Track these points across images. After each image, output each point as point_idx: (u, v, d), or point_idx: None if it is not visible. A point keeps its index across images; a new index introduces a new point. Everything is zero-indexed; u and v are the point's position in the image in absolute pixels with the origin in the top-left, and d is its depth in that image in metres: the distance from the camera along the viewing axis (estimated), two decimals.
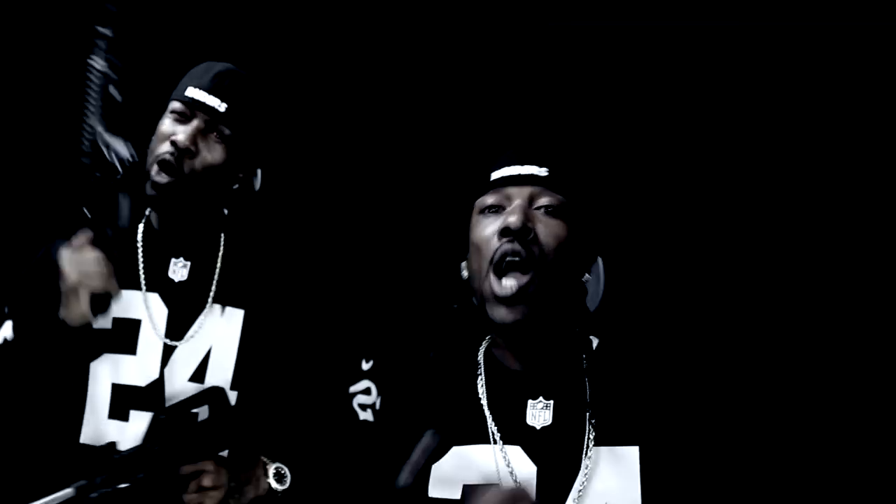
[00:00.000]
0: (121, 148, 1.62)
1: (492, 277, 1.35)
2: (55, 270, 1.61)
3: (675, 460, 1.35)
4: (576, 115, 2.26)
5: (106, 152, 1.60)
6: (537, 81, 2.32)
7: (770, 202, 2.25)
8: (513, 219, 1.34)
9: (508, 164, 1.41)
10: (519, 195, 1.38)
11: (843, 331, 2.21)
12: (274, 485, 1.71)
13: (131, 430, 1.70)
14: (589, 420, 1.36)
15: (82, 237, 1.62)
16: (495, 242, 1.35)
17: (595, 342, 1.47)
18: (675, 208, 2.27)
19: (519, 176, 1.39)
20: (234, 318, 1.80)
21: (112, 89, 1.60)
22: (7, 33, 2.26)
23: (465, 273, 1.44)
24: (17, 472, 1.55)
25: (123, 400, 1.73)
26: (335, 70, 2.39)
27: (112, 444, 1.60)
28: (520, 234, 1.33)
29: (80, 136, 1.59)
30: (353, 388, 1.94)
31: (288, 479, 1.72)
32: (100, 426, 1.71)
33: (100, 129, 1.59)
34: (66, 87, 1.72)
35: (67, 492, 1.45)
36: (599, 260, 1.43)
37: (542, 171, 1.39)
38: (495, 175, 1.41)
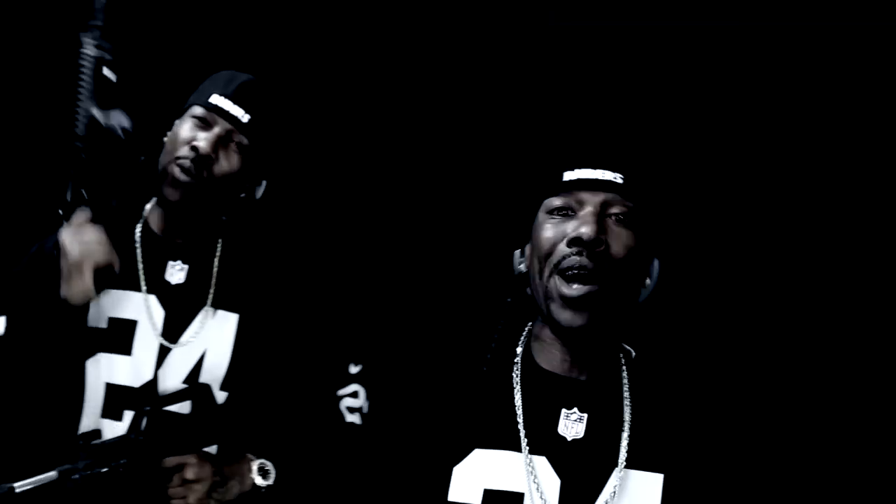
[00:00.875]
0: (119, 117, 1.66)
1: (557, 279, 1.31)
2: (51, 262, 1.65)
3: (697, 496, 1.31)
4: (648, 117, 2.23)
5: (104, 123, 1.63)
6: (551, 87, 2.30)
7: (797, 212, 2.20)
8: (586, 229, 1.29)
9: (582, 166, 1.34)
10: (591, 201, 1.32)
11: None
12: (258, 480, 1.78)
13: (125, 430, 1.75)
14: (624, 440, 1.33)
15: (81, 215, 1.67)
16: (563, 249, 1.31)
17: (632, 354, 1.44)
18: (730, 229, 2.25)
19: (595, 181, 1.33)
20: (228, 322, 1.87)
21: (106, 70, 1.64)
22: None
23: (521, 267, 1.41)
24: (14, 465, 1.61)
25: (117, 400, 1.77)
26: (332, 71, 2.41)
27: (96, 432, 1.66)
28: (591, 245, 1.28)
29: (73, 120, 1.63)
30: (340, 392, 2.02)
31: (272, 476, 1.79)
32: (94, 424, 1.76)
33: (94, 110, 1.63)
34: (56, 76, 1.77)
35: (51, 475, 1.54)
36: (656, 262, 1.40)
37: (618, 178, 1.33)
38: (568, 176, 1.35)
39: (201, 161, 1.77)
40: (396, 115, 2.42)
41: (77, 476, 1.57)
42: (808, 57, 2.17)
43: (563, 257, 1.30)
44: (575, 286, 1.29)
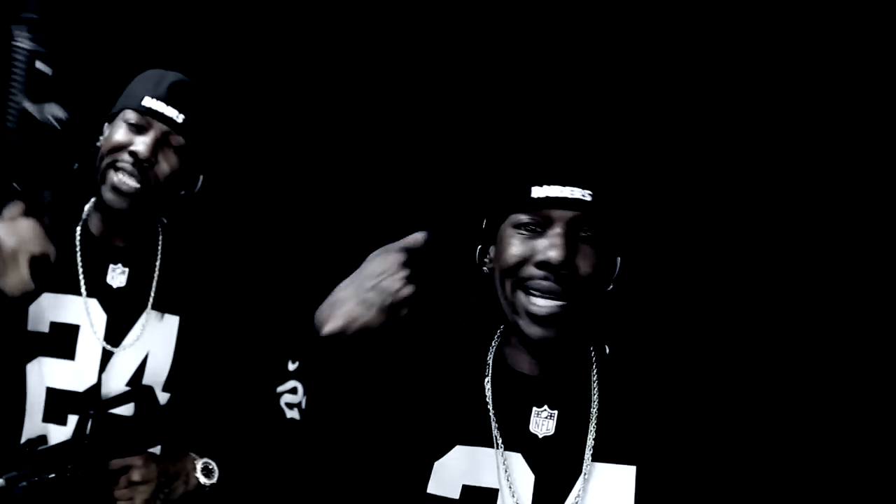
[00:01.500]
0: (54, 109, 1.63)
1: (522, 295, 1.33)
2: None
3: (670, 486, 1.34)
4: (616, 131, 2.21)
5: (38, 116, 1.60)
6: (551, 88, 2.28)
7: (786, 208, 2.20)
8: (555, 253, 1.29)
9: (550, 182, 1.33)
10: (560, 220, 1.32)
11: (863, 358, 2.16)
12: (202, 479, 1.81)
13: (69, 434, 1.75)
14: (590, 434, 1.35)
15: (14, 208, 1.63)
16: (531, 270, 1.32)
17: (606, 350, 1.46)
18: (694, 223, 2.24)
19: (564, 199, 1.31)
20: (170, 325, 1.89)
21: (40, 64, 1.61)
22: None
23: (485, 269, 1.42)
24: None
25: (61, 404, 1.77)
26: (289, 68, 2.38)
27: (42, 438, 1.66)
28: (559, 269, 1.29)
29: (4, 113, 1.60)
30: (280, 388, 2.07)
31: (216, 474, 1.83)
32: (36, 429, 1.76)
33: (27, 103, 1.60)
34: None
35: None
36: (618, 259, 1.42)
37: (587, 196, 1.32)
38: (537, 193, 1.33)
39: (142, 165, 1.77)
40: (381, 115, 2.39)
41: (25, 483, 1.58)
42: (808, 57, 2.16)
43: (531, 277, 1.31)
44: (542, 302, 1.31)
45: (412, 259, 1.31)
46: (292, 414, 2.06)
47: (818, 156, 2.19)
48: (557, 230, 1.31)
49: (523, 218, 1.34)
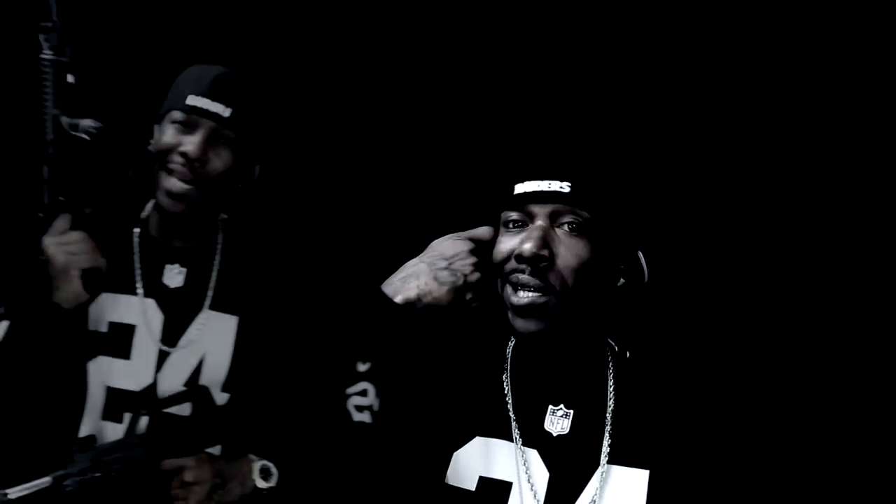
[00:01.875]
0: (87, 123, 1.64)
1: (508, 289, 1.36)
2: (41, 266, 1.65)
3: (683, 492, 1.34)
4: (597, 122, 2.24)
5: (68, 129, 1.62)
6: (552, 87, 2.31)
7: (798, 212, 2.22)
8: (527, 245, 1.32)
9: (530, 178, 1.36)
10: (541, 213, 1.35)
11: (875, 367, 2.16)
12: (259, 482, 1.76)
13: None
14: (606, 436, 1.37)
15: (62, 221, 1.66)
16: (512, 263, 1.35)
17: (616, 349, 1.47)
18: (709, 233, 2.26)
19: (541, 193, 1.34)
20: (228, 325, 1.87)
21: (69, 76, 1.62)
22: None
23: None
24: (15, 467, 1.64)
25: (117, 403, 1.79)
26: (333, 70, 2.41)
27: (92, 437, 1.67)
28: (533, 261, 1.31)
29: (42, 124, 1.62)
30: (349, 390, 2.00)
31: (274, 478, 1.78)
32: (95, 426, 1.78)
33: (63, 118, 1.61)
34: (21, 77, 1.76)
35: (45, 480, 1.56)
36: (640, 255, 1.42)
37: (566, 187, 1.34)
38: (518, 189, 1.37)
39: (193, 165, 1.76)
40: (393, 115, 2.41)
41: (69, 482, 1.58)
42: (808, 57, 2.19)
43: (513, 271, 1.35)
44: (522, 294, 1.34)
45: (479, 249, 1.41)
46: (361, 417, 1.99)
47: (815, 156, 2.20)
48: (538, 223, 1.35)
49: (511, 215, 1.38)
